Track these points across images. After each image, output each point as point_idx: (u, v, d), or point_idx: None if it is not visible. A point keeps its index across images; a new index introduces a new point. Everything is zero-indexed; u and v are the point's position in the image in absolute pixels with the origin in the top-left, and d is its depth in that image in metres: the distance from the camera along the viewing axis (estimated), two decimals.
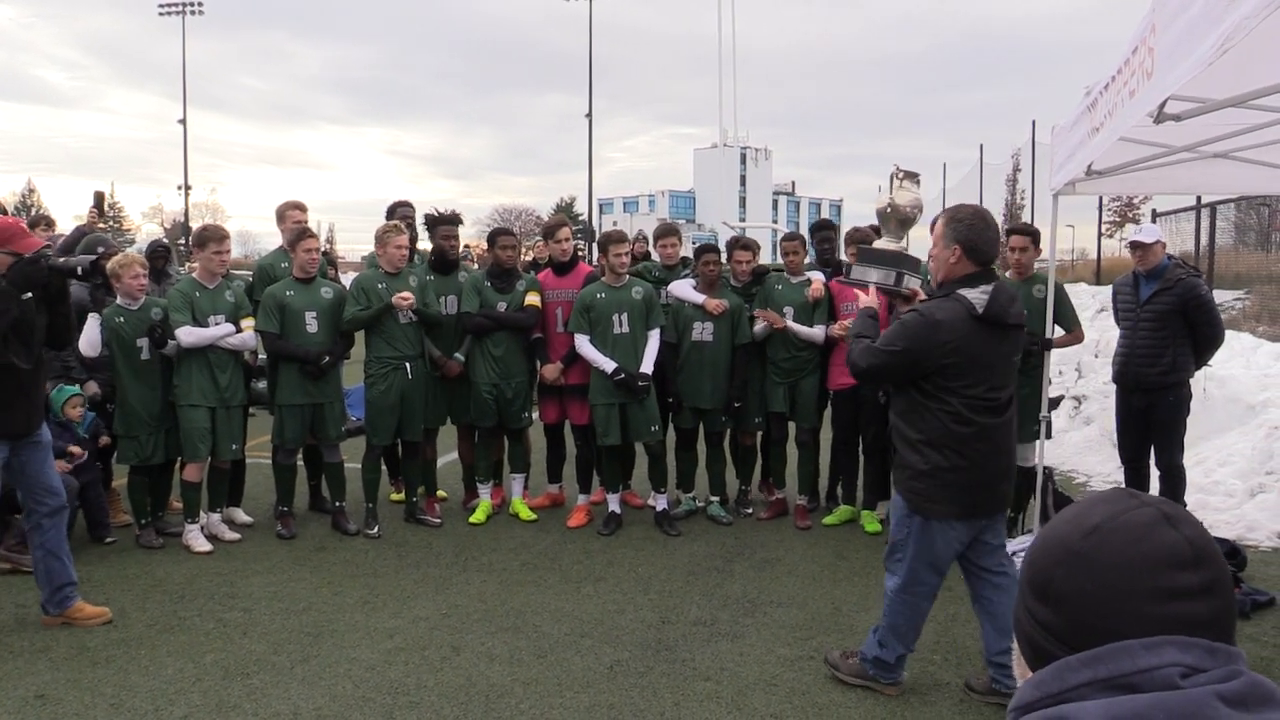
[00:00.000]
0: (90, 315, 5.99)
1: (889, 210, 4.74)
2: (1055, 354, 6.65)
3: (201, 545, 6.15)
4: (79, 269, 4.81)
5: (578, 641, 4.79)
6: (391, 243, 6.49)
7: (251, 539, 6.48)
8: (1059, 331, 6.23)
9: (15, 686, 4.25)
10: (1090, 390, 10.13)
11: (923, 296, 4.45)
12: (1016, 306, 4.00)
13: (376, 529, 6.56)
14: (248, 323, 6.34)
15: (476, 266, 10.49)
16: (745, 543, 6.43)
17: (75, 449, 6.02)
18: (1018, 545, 5.86)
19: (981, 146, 30.24)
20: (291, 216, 6.96)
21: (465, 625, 5.00)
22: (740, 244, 7.09)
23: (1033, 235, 6.25)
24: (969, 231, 3.88)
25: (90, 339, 5.98)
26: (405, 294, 6.37)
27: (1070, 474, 8.44)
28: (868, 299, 4.41)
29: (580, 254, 7.46)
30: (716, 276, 6.75)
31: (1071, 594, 0.96)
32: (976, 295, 3.82)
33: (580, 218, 74.89)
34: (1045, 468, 6.18)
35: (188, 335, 6.08)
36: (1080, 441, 9.21)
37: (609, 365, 6.47)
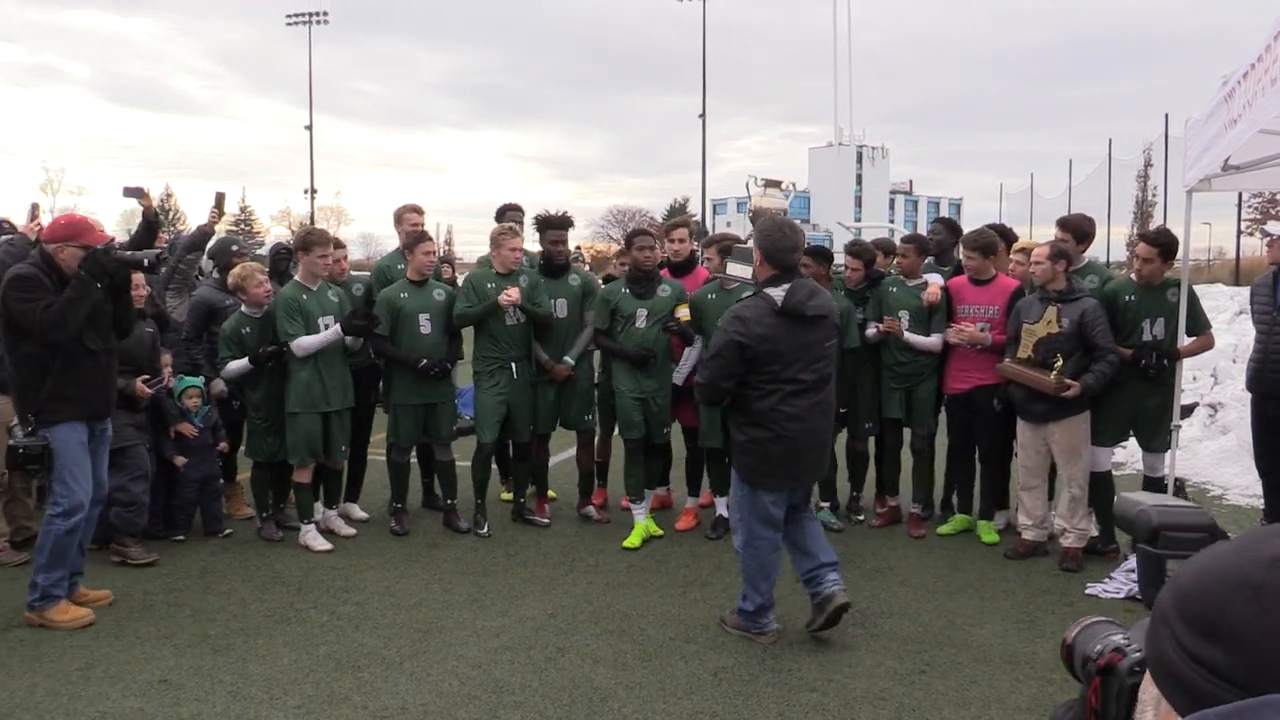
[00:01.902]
0: (243, 361, 6.26)
1: (754, 215, 5.47)
2: (1189, 359, 6.31)
3: (320, 544, 6.27)
4: (145, 261, 5.05)
5: (683, 647, 4.75)
6: (506, 244, 6.52)
7: (366, 534, 6.64)
8: (1188, 340, 5.91)
9: (141, 671, 4.43)
10: (1227, 397, 9.60)
11: None
12: (815, 301, 4.57)
13: (486, 528, 6.60)
14: None
15: (588, 268, 10.55)
16: (856, 551, 6.29)
17: (187, 427, 6.29)
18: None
19: (1110, 141, 29.19)
20: (409, 219, 7.09)
21: (571, 626, 5.01)
22: (851, 251, 6.97)
23: (1161, 246, 5.87)
24: (765, 241, 4.62)
25: (234, 372, 6.30)
26: (511, 290, 6.36)
27: (1204, 486, 8.01)
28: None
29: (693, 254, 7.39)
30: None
31: (1253, 632, 0.84)
32: (777, 292, 4.52)
33: (694, 219, 74.75)
34: (1176, 479, 5.88)
35: (301, 346, 6.18)
36: (1216, 452, 8.73)
37: (679, 375, 6.62)
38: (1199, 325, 5.95)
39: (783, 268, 4.60)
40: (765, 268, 4.64)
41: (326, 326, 6.31)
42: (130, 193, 6.24)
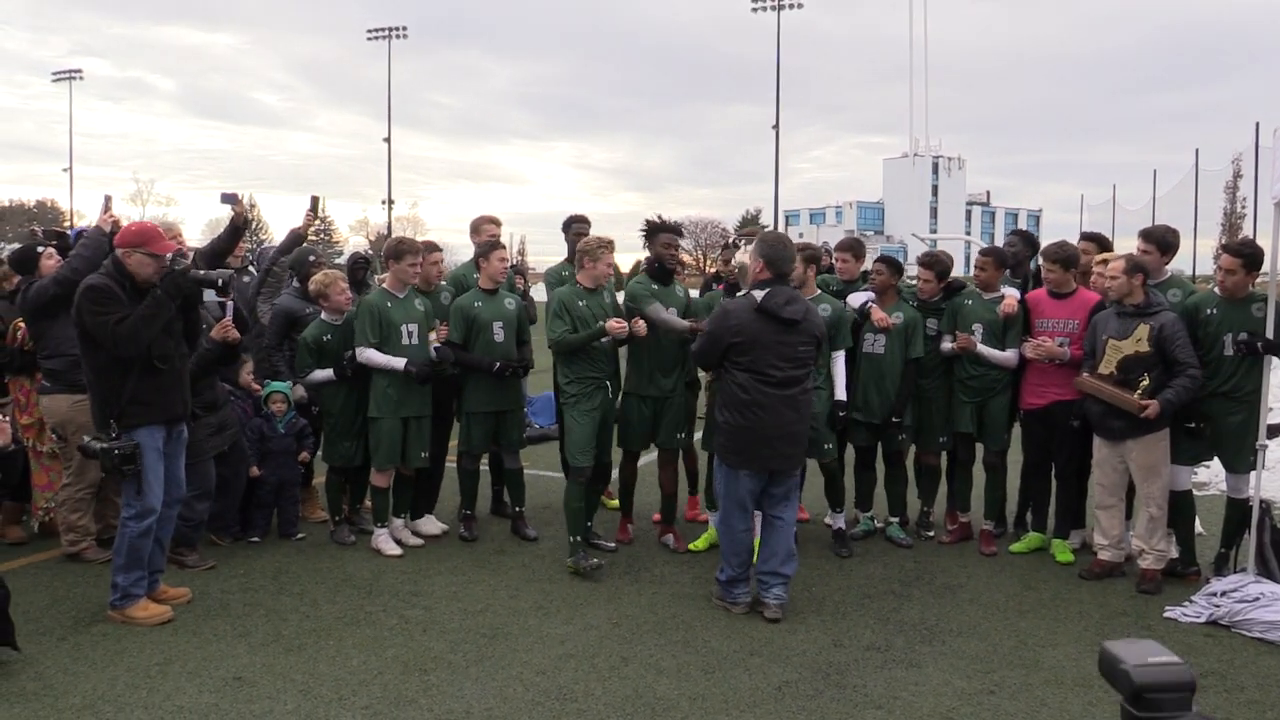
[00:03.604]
0: (328, 371, 6.42)
1: (739, 270, 6.13)
2: (1277, 377, 6.10)
3: (391, 549, 6.35)
4: (219, 281, 5.19)
5: (746, 660, 4.73)
6: (604, 259, 6.29)
7: (435, 540, 6.72)
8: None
9: (217, 668, 4.56)
10: None
11: None
12: (792, 306, 5.19)
13: (596, 560, 6.03)
14: (442, 331, 6.49)
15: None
16: (925, 567, 6.19)
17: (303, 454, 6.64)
18: (1229, 584, 5.40)
19: (1197, 151, 28.43)
20: (486, 230, 7.17)
21: (635, 636, 5.02)
22: (923, 262, 6.87)
23: (1245, 257, 5.69)
24: (769, 250, 5.26)
25: (317, 381, 6.47)
26: (618, 322, 6.07)
27: None
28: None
29: None
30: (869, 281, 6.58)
31: None
32: (760, 293, 5.19)
33: (765, 228, 74.56)
34: (1262, 501, 5.67)
35: (367, 358, 6.26)
36: None
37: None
38: None
39: (777, 274, 5.25)
40: (764, 272, 5.26)
41: (411, 334, 6.35)
42: (227, 198, 6.47)
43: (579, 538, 6.11)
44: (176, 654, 4.71)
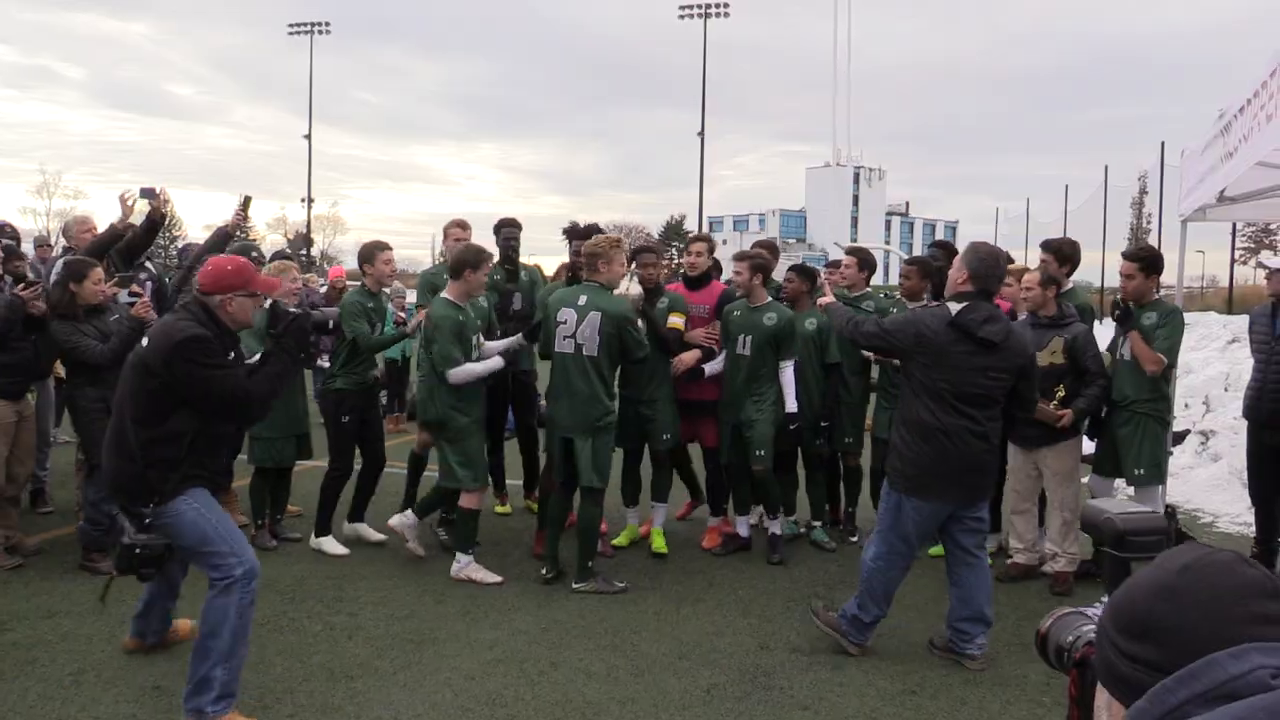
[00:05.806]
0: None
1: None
2: (1181, 386, 6.37)
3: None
4: (330, 322, 5.05)
5: (675, 663, 4.77)
6: (616, 259, 5.89)
7: (358, 545, 6.61)
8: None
9: (135, 676, 4.44)
10: (1219, 425, 9.65)
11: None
12: (991, 327, 4.58)
13: (621, 584, 5.87)
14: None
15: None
16: (848, 570, 6.29)
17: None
18: None
19: (1106, 168, 29.32)
20: (454, 235, 7.09)
21: (564, 640, 5.02)
22: (847, 250, 7.11)
23: (1140, 261, 5.94)
24: (980, 264, 4.71)
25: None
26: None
27: (1195, 513, 8.05)
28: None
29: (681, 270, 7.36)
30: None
31: (1174, 626, 1.03)
32: (954, 306, 4.66)
33: (690, 235, 75.08)
34: (1168, 506, 5.91)
35: (460, 376, 5.88)
36: (1207, 479, 8.78)
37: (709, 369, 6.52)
38: (1161, 347, 5.88)
39: (980, 290, 4.69)
40: (966, 285, 4.73)
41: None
42: (145, 192, 6.33)
43: (592, 562, 5.89)
44: (91, 663, 4.57)
